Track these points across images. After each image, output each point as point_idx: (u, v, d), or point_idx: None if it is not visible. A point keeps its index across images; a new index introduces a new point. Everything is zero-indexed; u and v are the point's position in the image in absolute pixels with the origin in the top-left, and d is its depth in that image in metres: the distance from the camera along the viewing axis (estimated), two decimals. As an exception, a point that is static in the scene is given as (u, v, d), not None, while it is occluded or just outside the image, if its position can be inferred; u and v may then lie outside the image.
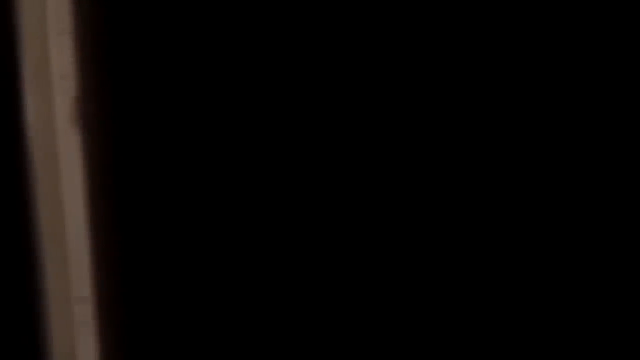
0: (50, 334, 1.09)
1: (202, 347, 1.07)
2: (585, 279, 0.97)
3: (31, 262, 1.08)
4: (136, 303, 1.08)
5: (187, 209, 1.05)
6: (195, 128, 1.04)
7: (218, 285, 1.05)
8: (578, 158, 0.96)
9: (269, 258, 1.04)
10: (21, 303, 1.09)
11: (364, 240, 1.01)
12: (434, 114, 0.98)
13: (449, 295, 1.00)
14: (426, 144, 0.99)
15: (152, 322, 1.08)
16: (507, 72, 0.97)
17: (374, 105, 0.99)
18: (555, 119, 0.96)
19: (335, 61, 1.00)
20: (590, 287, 0.97)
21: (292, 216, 1.02)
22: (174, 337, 1.07)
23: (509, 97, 0.97)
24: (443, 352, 1.00)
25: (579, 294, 0.97)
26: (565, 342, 0.98)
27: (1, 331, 1.10)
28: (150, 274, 1.07)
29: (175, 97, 1.04)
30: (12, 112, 1.06)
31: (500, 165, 0.98)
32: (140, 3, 1.04)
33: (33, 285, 1.08)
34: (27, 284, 1.08)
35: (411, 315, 1.00)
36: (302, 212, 1.02)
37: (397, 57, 0.98)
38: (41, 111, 1.06)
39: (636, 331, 0.96)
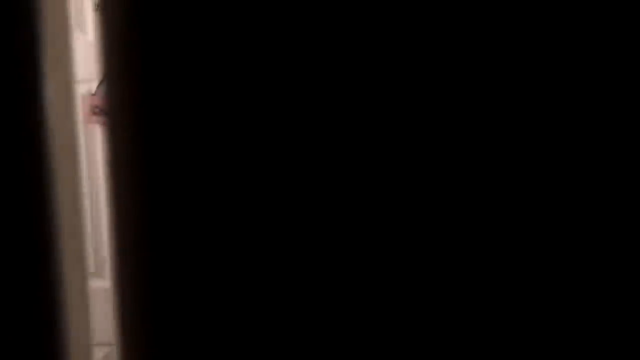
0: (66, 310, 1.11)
1: (226, 342, 1.08)
2: (584, 278, 0.98)
3: (49, 253, 1.10)
4: (158, 296, 1.10)
5: (210, 207, 1.06)
6: (219, 125, 1.04)
7: (244, 280, 1.06)
8: (577, 158, 0.96)
9: (285, 255, 1.05)
10: (38, 287, 1.11)
11: (372, 242, 1.02)
12: (433, 115, 0.99)
13: (448, 295, 1.00)
14: (426, 145, 0.99)
15: (170, 312, 1.09)
16: (507, 73, 0.97)
17: (374, 106, 1.00)
18: (554, 119, 0.97)
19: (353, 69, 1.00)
20: (590, 286, 0.98)
21: (333, 223, 1.03)
22: (189, 326, 1.09)
23: (508, 98, 0.97)
24: (443, 351, 1.01)
25: (578, 293, 0.98)
26: (564, 341, 0.99)
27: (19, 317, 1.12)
28: (172, 269, 1.09)
29: (195, 93, 1.05)
30: (32, 108, 1.07)
31: (500, 166, 0.98)
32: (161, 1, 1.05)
33: (50, 273, 1.10)
34: (44, 274, 1.10)
35: (411, 315, 1.01)
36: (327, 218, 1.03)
37: (397, 58, 0.99)
38: (61, 107, 1.08)
39: (636, 331, 0.97)
